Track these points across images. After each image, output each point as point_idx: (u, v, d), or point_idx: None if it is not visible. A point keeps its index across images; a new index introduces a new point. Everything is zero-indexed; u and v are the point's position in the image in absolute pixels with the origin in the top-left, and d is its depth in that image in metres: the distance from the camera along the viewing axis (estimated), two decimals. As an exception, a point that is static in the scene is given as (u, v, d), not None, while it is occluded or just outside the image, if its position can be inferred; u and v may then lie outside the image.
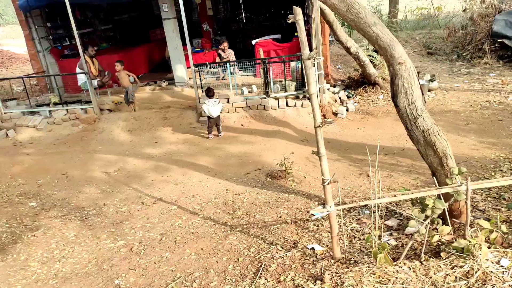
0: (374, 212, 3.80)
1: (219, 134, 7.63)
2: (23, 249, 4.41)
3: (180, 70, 9.91)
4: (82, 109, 8.95)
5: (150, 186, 5.83)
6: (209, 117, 7.47)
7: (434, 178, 3.64)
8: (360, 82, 9.82)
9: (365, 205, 4.54)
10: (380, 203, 3.71)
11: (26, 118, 9.00)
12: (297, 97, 8.34)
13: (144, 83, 10.47)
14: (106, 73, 9.90)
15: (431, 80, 9.33)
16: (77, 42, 8.50)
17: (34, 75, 10.71)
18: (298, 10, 3.03)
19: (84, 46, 9.07)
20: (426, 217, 3.23)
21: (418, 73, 9.50)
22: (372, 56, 9.74)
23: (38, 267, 4.09)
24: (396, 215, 4.36)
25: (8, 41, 30.38)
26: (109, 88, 10.05)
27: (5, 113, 9.11)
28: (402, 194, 3.67)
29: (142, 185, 5.90)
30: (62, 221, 5.00)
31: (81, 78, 9.23)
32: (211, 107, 7.38)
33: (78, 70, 9.30)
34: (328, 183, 3.32)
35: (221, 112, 7.67)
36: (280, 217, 4.61)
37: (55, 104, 9.14)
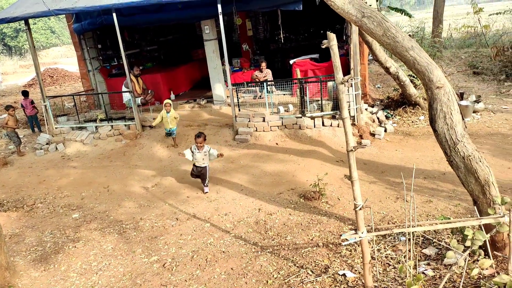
0: (409, 239, 3.66)
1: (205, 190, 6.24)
2: (64, 260, 4.65)
3: (218, 89, 10.18)
4: (125, 125, 9.39)
5: (185, 203, 5.97)
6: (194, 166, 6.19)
7: (475, 206, 3.46)
8: (399, 102, 9.58)
9: (401, 232, 4.37)
10: (416, 231, 3.56)
11: (75, 133, 9.58)
12: (333, 117, 8.28)
13: (184, 100, 10.85)
14: (150, 91, 10.37)
15: (477, 101, 8.92)
16: (124, 62, 9.00)
17: (83, 92, 11.43)
18: (331, 36, 3.05)
19: (130, 66, 9.59)
20: (466, 248, 3.06)
21: (463, 94, 9.14)
22: (413, 76, 9.48)
23: (77, 278, 4.28)
24: (435, 244, 4.15)
25: (63, 59, 32.74)
26: (152, 105, 10.49)
27: (56, 128, 9.76)
28: (440, 223, 3.50)
29: (177, 201, 6.06)
30: (101, 234, 5.22)
31: (126, 96, 9.72)
32: (196, 154, 6.08)
33: (123, 88, 9.81)
34: (360, 208, 3.24)
35: (256, 131, 7.70)
36: (311, 239, 4.55)
37: (101, 120, 9.67)
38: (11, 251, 4.86)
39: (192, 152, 6.10)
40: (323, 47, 3.12)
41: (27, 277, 4.36)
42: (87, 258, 4.66)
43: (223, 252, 4.47)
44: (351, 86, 8.03)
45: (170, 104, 8.34)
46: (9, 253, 4.55)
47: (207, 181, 6.24)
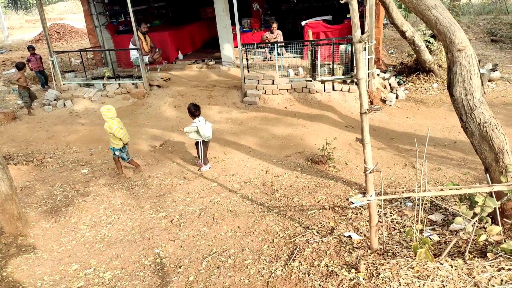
0: (417, 205, 3.65)
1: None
2: (74, 213, 4.75)
3: (227, 50, 9.95)
4: (133, 83, 9.29)
5: (192, 162, 5.99)
6: (203, 142, 5.58)
7: (487, 174, 3.41)
8: (413, 69, 9.33)
9: (408, 197, 4.38)
10: (424, 196, 3.55)
11: (82, 89, 9.52)
12: (344, 82, 8.10)
13: (192, 61, 10.66)
14: (157, 50, 10.17)
15: (493, 70, 8.66)
16: (131, 18, 8.76)
17: (90, 49, 11.24)
18: (352, -10, 2.88)
19: (137, 23, 9.33)
20: (475, 214, 3.05)
21: (479, 61, 8.85)
22: (429, 42, 9.18)
23: (87, 230, 4.38)
24: (441, 210, 4.16)
25: (69, 15, 32.05)
26: (159, 64, 10.34)
27: (63, 84, 9.69)
28: (450, 189, 3.47)
29: (185, 160, 6.08)
30: (110, 189, 5.30)
31: (134, 54, 9.55)
32: (204, 127, 5.49)
33: (131, 46, 9.62)
34: (371, 172, 3.21)
35: (265, 93, 7.57)
36: (318, 202, 4.57)
37: (109, 77, 9.56)
38: (22, 202, 4.96)
39: (197, 128, 5.35)
40: (343, 1, 2.96)
41: (38, 227, 4.47)
42: (96, 211, 4.75)
43: (230, 211, 4.53)
44: (364, 49, 7.79)
45: (110, 113, 5.31)
46: (21, 205, 4.65)
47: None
